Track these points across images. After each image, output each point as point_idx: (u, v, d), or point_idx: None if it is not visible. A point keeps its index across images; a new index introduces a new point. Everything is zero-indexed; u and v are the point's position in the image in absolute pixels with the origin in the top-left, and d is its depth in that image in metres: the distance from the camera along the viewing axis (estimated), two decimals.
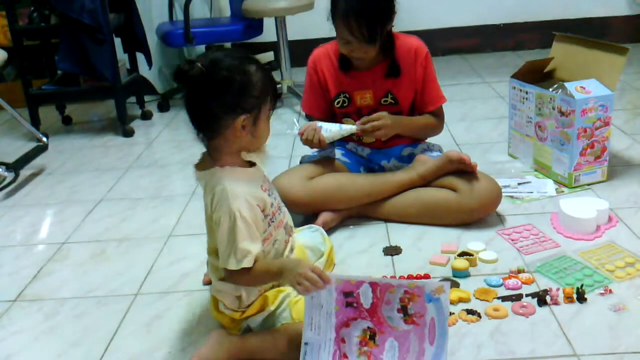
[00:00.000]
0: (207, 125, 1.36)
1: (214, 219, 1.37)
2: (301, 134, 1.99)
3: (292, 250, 1.59)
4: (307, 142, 1.98)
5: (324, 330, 1.30)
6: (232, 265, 1.34)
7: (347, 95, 2.06)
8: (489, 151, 2.61)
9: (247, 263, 1.34)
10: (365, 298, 1.28)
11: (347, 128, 1.99)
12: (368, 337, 1.29)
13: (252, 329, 1.48)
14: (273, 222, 1.45)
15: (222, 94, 1.32)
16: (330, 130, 1.98)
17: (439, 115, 2.12)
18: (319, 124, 1.98)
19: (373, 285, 1.27)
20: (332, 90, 2.07)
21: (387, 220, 2.05)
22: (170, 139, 3.19)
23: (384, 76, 2.03)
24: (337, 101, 2.07)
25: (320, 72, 2.08)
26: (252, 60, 1.38)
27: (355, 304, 1.29)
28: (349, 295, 1.29)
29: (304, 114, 2.31)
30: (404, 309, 1.27)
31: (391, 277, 1.70)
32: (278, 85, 3.55)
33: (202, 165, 1.43)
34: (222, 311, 1.48)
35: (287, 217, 1.55)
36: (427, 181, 2.02)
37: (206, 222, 1.44)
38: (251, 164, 1.45)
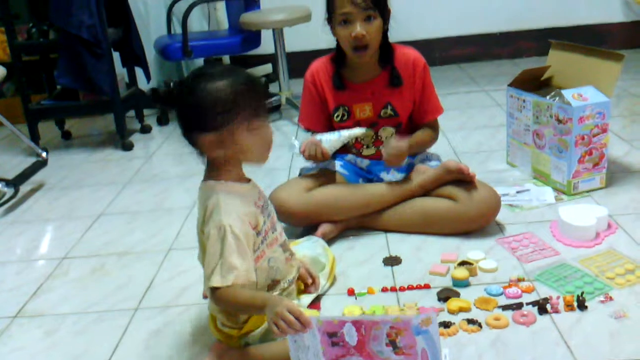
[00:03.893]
0: (187, 140, 1.38)
1: (205, 232, 1.35)
2: (303, 152, 1.98)
3: (297, 269, 1.59)
4: (311, 157, 1.97)
5: None
6: (217, 282, 1.30)
7: (346, 109, 2.06)
8: (488, 160, 2.61)
9: (232, 279, 1.30)
10: (350, 337, 1.23)
11: (346, 134, 1.98)
12: None
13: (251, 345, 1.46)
14: (266, 240, 1.44)
15: (183, 113, 1.35)
16: (330, 140, 1.97)
17: (434, 126, 2.13)
18: (318, 137, 1.98)
19: (356, 324, 1.22)
20: (331, 104, 2.07)
21: (386, 230, 2.04)
22: (170, 152, 3.20)
23: (383, 87, 2.03)
24: (336, 115, 2.07)
25: (319, 85, 2.08)
26: (222, 76, 1.33)
27: (341, 343, 1.24)
28: (333, 336, 1.24)
29: (301, 127, 2.31)
30: (392, 343, 1.22)
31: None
32: (275, 98, 3.53)
33: (204, 179, 1.43)
34: (220, 328, 1.48)
35: (283, 236, 1.54)
36: (426, 191, 2.02)
37: (198, 237, 1.43)
38: (248, 180, 1.45)
